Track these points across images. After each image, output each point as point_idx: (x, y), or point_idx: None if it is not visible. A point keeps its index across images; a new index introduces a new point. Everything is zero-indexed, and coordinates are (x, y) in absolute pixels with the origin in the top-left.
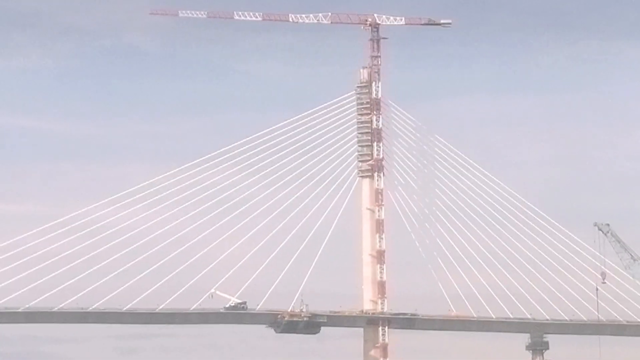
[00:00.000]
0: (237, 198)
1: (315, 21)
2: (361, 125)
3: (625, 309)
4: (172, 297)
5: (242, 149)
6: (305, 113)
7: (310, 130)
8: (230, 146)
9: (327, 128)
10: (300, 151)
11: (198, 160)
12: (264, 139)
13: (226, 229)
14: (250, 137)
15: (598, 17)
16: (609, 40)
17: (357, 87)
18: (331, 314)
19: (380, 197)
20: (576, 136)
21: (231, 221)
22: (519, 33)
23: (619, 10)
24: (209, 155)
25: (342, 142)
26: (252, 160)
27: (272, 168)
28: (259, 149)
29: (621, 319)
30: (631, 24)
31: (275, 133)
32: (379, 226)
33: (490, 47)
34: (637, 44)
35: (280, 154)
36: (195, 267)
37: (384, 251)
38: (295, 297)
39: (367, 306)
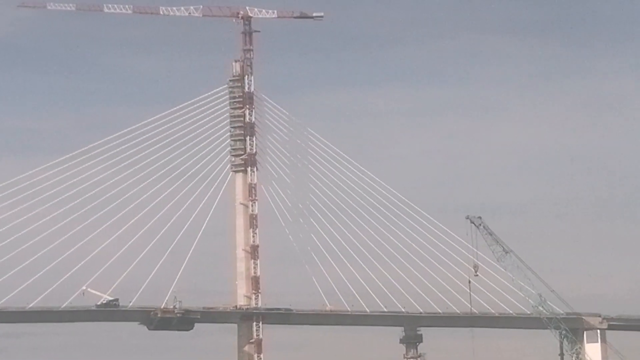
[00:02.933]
0: (108, 194)
1: (187, 14)
2: (234, 120)
3: (498, 301)
4: (43, 295)
5: (112, 144)
6: (177, 107)
7: (181, 125)
8: (100, 141)
9: (199, 122)
10: (172, 146)
11: (68, 156)
12: (135, 133)
13: (97, 225)
14: (121, 132)
15: (469, 11)
16: (480, 34)
17: (230, 80)
18: (205, 310)
19: (253, 191)
20: (448, 129)
21: (102, 218)
22: (391, 26)
23: (491, 4)
24: (79, 150)
25: (214, 136)
26: (122, 156)
27: (143, 163)
28: (129, 144)
29: (493, 311)
30: (503, 18)
31: (146, 128)
32: (252, 221)
33: (362, 40)
34: (508, 38)
35: (151, 149)
36: (66, 265)
37: (257, 246)
38: (169, 294)
39: (241, 302)
